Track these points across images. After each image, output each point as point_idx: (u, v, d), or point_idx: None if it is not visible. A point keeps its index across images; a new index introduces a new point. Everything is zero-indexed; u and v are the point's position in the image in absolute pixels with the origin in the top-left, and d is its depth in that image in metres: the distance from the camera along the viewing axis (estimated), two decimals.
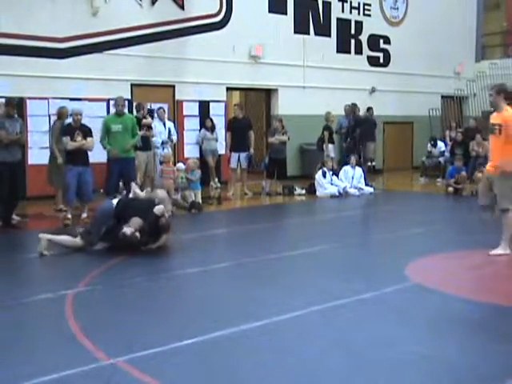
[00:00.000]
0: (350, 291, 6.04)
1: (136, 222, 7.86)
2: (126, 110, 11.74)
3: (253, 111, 18.76)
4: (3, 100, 10.52)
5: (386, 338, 4.82)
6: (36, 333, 5.02)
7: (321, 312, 5.43)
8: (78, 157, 10.38)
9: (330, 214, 11.75)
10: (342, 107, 17.14)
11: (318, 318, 5.31)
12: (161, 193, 9.10)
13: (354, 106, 16.65)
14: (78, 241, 8.00)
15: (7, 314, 5.57)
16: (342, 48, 18.98)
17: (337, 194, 13.88)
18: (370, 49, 19.75)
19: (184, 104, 15.57)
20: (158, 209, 8.08)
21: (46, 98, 13.32)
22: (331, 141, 15.92)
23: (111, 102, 13.24)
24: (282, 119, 14.69)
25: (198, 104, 15.70)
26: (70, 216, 10.31)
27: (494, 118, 7.57)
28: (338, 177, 14.44)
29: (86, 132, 10.54)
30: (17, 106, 10.48)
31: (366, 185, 14.70)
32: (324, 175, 14.10)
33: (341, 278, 6.71)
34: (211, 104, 16.01)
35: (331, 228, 9.63)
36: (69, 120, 11.02)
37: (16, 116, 10.16)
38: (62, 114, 11.71)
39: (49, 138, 12.11)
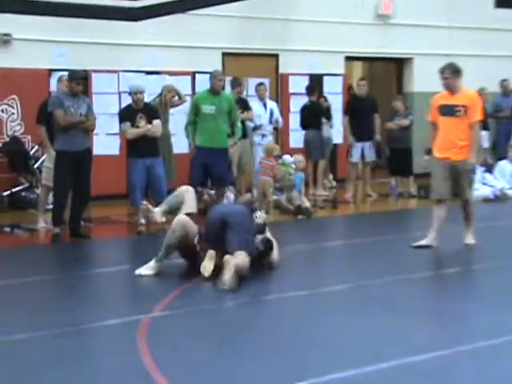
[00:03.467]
0: (510, 326, 5.88)
1: None
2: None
3: (379, 88, 18.56)
4: (65, 74, 10.58)
5: None
6: (102, 367, 5.11)
7: (471, 353, 5.29)
8: (144, 146, 10.41)
9: (481, 223, 11.38)
10: (498, 82, 16.74)
11: (466, 359, 5.19)
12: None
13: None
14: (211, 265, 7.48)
15: (69, 342, 5.66)
16: (503, 1, 18.47)
17: (491, 196, 13.58)
18: None
19: (290, 78, 15.62)
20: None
21: (115, 71, 13.65)
22: (484, 126, 15.52)
23: (197, 77, 13.43)
24: (405, 99, 14.54)
25: (308, 78, 15.68)
26: (143, 221, 10.39)
27: (456, 99, 9.26)
28: (492, 174, 14.13)
29: (151, 114, 10.58)
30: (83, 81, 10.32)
31: None
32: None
33: (498, 308, 6.52)
34: (325, 78, 16.01)
35: (481, 242, 9.38)
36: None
37: (82, 95, 10.05)
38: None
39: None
